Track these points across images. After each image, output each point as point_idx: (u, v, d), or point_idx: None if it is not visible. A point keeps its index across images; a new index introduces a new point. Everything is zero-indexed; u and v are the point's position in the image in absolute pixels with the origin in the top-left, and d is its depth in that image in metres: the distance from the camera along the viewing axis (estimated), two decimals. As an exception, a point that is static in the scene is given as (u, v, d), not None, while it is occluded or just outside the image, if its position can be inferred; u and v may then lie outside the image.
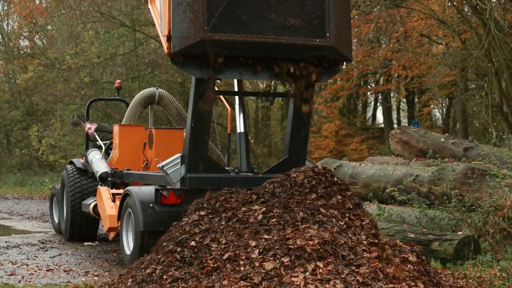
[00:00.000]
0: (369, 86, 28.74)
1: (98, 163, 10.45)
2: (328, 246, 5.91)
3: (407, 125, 22.79)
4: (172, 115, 11.11)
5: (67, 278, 7.86)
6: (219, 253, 6.12)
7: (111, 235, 9.35)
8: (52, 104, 26.75)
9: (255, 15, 7.31)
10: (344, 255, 5.89)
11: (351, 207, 6.73)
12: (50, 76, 26.79)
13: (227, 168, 8.47)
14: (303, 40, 7.42)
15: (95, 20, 23.88)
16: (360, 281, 5.57)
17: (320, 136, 26.31)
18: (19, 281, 7.54)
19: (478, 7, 14.26)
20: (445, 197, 9.57)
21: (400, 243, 6.51)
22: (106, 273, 8.18)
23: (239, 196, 6.99)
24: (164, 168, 7.77)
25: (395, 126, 27.80)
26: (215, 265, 5.96)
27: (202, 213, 6.80)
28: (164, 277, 6.07)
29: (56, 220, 12.14)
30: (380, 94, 28.06)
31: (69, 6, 25.50)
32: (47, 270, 8.31)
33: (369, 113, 35.07)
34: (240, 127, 8.50)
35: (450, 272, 7.47)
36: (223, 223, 6.58)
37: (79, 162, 11.30)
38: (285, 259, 5.80)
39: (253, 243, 6.10)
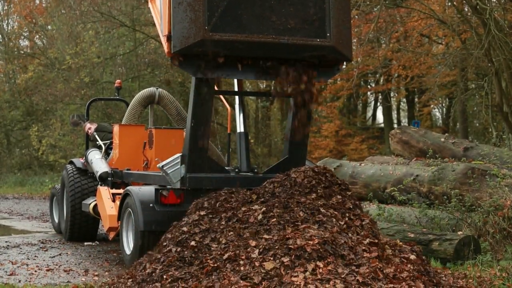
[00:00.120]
0: (369, 86, 28.75)
1: (98, 163, 10.45)
2: (328, 246, 5.91)
3: (407, 125, 22.80)
4: (172, 115, 11.11)
5: (67, 278, 7.86)
6: (219, 253, 6.12)
7: (111, 235, 9.35)
8: (52, 104, 26.75)
9: (255, 15, 7.31)
10: (344, 255, 5.89)
11: (351, 207, 6.73)
12: (50, 76, 26.79)
13: (227, 168, 8.47)
14: (304, 40, 7.41)
15: (95, 20, 23.88)
16: (360, 281, 5.57)
17: (320, 136, 26.31)
18: (19, 281, 7.54)
19: (478, 7, 14.26)
20: (445, 197, 9.57)
21: (400, 243, 6.51)
22: (106, 273, 8.18)
23: (239, 196, 6.99)
24: (164, 168, 7.77)
25: (395, 126, 27.81)
26: (215, 265, 5.96)
27: (202, 213, 6.80)
28: (164, 277, 6.07)
29: (56, 220, 12.14)
30: (380, 94, 28.07)
31: (69, 6, 25.50)
32: (47, 270, 8.31)
33: (369, 113, 35.08)
34: (240, 127, 8.50)
35: (450, 272, 7.47)
36: (223, 223, 6.58)
37: (79, 162, 11.30)
38: (285, 259, 5.80)
39: (253, 243, 6.10)
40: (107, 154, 11.02)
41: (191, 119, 7.60)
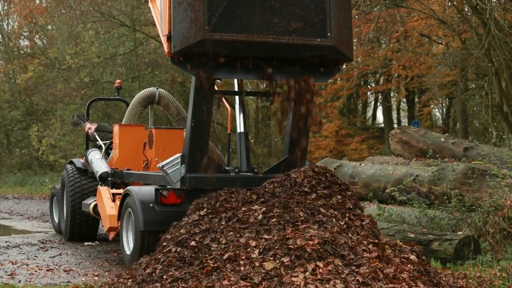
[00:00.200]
0: (369, 86, 28.74)
1: (98, 163, 10.45)
2: (328, 246, 5.91)
3: (407, 125, 22.80)
4: (172, 115, 11.11)
5: (67, 278, 7.86)
6: (219, 253, 6.12)
7: (111, 235, 9.35)
8: (52, 104, 26.74)
9: (256, 15, 7.30)
10: (344, 255, 5.89)
11: (351, 207, 6.73)
12: (50, 76, 26.78)
13: (227, 168, 8.47)
14: (304, 40, 7.41)
15: (95, 20, 23.88)
16: (360, 281, 5.57)
17: (320, 136, 26.30)
18: (19, 281, 7.54)
19: (478, 7, 14.26)
20: (445, 197, 9.57)
21: (400, 243, 6.51)
22: (106, 273, 8.18)
23: (239, 196, 6.99)
24: (164, 168, 7.77)
25: (395, 126, 27.81)
26: (215, 265, 5.96)
27: (202, 213, 6.80)
28: (164, 277, 6.07)
29: (56, 220, 12.14)
30: (380, 94, 28.07)
31: (69, 6, 25.50)
32: (47, 270, 8.31)
33: (369, 113, 35.07)
34: (240, 127, 8.49)
35: (450, 272, 7.47)
36: (223, 223, 6.58)
37: (79, 162, 11.30)
38: (285, 259, 5.80)
39: (253, 243, 6.10)
40: (107, 154, 11.02)
41: (191, 119, 7.60)
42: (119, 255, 9.49)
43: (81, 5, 24.45)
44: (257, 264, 5.81)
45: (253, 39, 7.25)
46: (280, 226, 6.31)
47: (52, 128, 26.05)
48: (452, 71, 20.89)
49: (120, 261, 8.98)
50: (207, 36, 7.09)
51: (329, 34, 7.47)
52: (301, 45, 7.40)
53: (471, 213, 8.95)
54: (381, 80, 26.18)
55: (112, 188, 9.87)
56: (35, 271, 8.21)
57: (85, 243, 10.80)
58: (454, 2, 17.01)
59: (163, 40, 7.43)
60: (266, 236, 6.18)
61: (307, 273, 5.64)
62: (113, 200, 9.42)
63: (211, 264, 5.98)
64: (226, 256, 6.03)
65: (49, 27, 29.19)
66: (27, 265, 8.64)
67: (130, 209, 8.30)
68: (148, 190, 8.16)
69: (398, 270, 5.86)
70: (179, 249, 6.38)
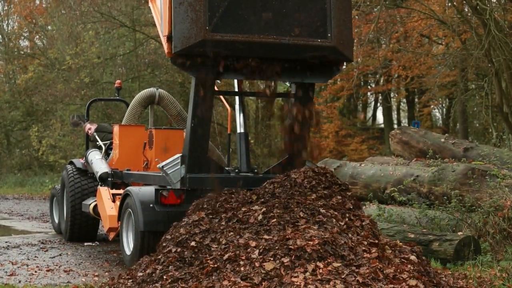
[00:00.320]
0: (369, 87, 28.74)
1: (98, 163, 10.45)
2: (328, 247, 5.91)
3: (407, 125, 22.79)
4: (172, 115, 11.11)
5: (67, 278, 7.86)
6: (219, 253, 6.12)
7: (111, 235, 9.35)
8: (52, 104, 26.75)
9: (256, 15, 7.30)
10: (344, 256, 5.89)
11: (351, 207, 6.73)
12: (50, 76, 26.79)
13: (227, 168, 8.47)
14: (305, 40, 7.41)
15: (95, 21, 23.88)
16: (360, 282, 5.57)
17: (320, 136, 26.30)
18: (19, 282, 7.54)
19: (478, 7, 14.26)
20: (445, 197, 9.57)
21: (400, 244, 6.50)
22: (106, 273, 8.18)
23: (239, 197, 6.99)
24: (164, 168, 7.77)
25: (395, 126, 27.80)
26: (215, 265, 5.96)
27: (202, 213, 6.80)
28: (164, 277, 6.07)
29: (56, 221, 12.14)
30: (380, 94, 28.06)
31: (69, 7, 25.49)
32: (47, 271, 8.31)
33: (369, 113, 35.07)
34: (240, 127, 8.49)
35: (450, 272, 7.47)
36: (223, 223, 6.58)
37: (79, 162, 11.30)
38: (285, 259, 5.80)
39: (253, 244, 6.10)
40: (107, 154, 11.02)
41: (191, 119, 7.60)
42: (119, 256, 9.49)
43: (81, 5, 24.46)
44: (257, 264, 5.81)
45: (254, 40, 7.25)
46: (280, 226, 6.31)
47: (52, 128, 26.05)
48: (452, 72, 20.89)
49: (120, 262, 8.98)
50: (208, 36, 7.09)
51: (329, 34, 7.47)
52: (301, 46, 7.40)
53: (471, 213, 8.95)
54: (381, 81, 26.17)
55: (112, 189, 9.87)
56: (35, 272, 8.21)
57: (85, 244, 10.80)
58: (454, 3, 17.01)
59: (163, 40, 7.43)
60: (266, 237, 6.18)
61: (307, 274, 5.64)
62: (113, 201, 9.42)
63: (211, 265, 5.97)
64: (226, 256, 6.03)
65: (49, 27, 29.20)
66: (27, 265, 8.64)
67: (130, 210, 8.30)
68: (148, 191, 8.16)
69: (398, 270, 5.86)
70: (179, 249, 6.38)
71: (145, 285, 6.13)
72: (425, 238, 8.47)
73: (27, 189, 24.85)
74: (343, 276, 5.62)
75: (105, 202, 9.43)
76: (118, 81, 12.96)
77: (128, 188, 8.56)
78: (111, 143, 11.05)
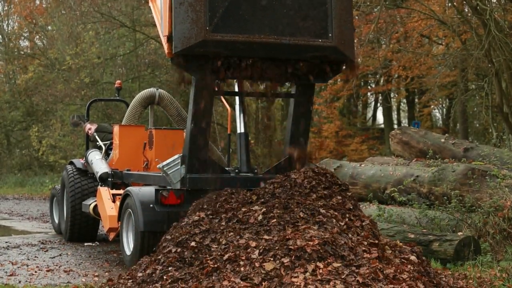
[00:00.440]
0: (369, 87, 28.74)
1: (98, 163, 10.45)
2: (328, 247, 5.91)
3: (407, 125, 22.79)
4: (172, 115, 11.11)
5: (67, 278, 7.86)
6: (219, 253, 6.12)
7: (111, 235, 9.35)
8: (52, 104, 26.75)
9: (257, 15, 7.30)
10: (344, 256, 5.89)
11: (351, 207, 6.73)
12: (50, 76, 26.79)
13: (227, 169, 8.47)
14: (305, 41, 7.40)
15: (95, 21, 23.88)
16: (360, 282, 5.57)
17: (320, 137, 26.30)
18: (19, 282, 7.53)
19: (478, 7, 14.27)
20: (445, 197, 9.57)
21: (400, 244, 6.51)
22: (106, 273, 8.17)
23: (239, 197, 6.99)
24: (164, 169, 7.77)
25: (395, 126, 27.81)
26: (215, 265, 5.96)
27: (202, 213, 6.80)
28: (164, 277, 6.07)
29: (56, 221, 12.14)
30: (380, 94, 28.07)
31: (69, 7, 25.50)
32: (47, 271, 8.31)
33: (369, 114, 35.07)
34: (240, 128, 8.49)
35: (450, 272, 7.47)
36: (223, 223, 6.58)
37: (79, 162, 11.29)
38: (285, 260, 5.79)
39: (253, 244, 6.10)
40: (107, 154, 11.01)
41: (191, 120, 7.60)
42: (119, 256, 9.49)
43: (81, 5, 24.46)
44: (257, 264, 5.81)
45: (254, 40, 7.24)
46: (280, 226, 6.31)
47: (52, 128, 26.06)
48: (452, 72, 20.89)
49: (120, 262, 8.98)
50: (208, 36, 7.09)
51: (330, 34, 7.46)
52: (302, 46, 7.39)
53: (471, 213, 8.95)
54: (381, 81, 26.18)
55: (112, 189, 9.86)
56: (35, 272, 8.21)
57: (85, 244, 10.80)
58: (454, 3, 17.01)
59: (164, 40, 7.42)
60: (266, 237, 6.18)
61: (307, 274, 5.64)
62: (113, 201, 9.42)
63: (211, 265, 5.97)
64: (226, 256, 6.03)
65: (49, 27, 29.20)
66: (27, 265, 8.64)
67: (130, 210, 8.30)
68: (148, 191, 8.16)
69: (398, 270, 5.86)
70: (179, 249, 6.38)
71: (145, 285, 6.13)
72: (425, 238, 8.47)
73: (27, 189, 24.85)
74: (343, 277, 5.62)
75: (105, 202, 9.43)
76: (118, 81, 12.96)
77: (128, 188, 8.56)
78: (111, 143, 11.05)
